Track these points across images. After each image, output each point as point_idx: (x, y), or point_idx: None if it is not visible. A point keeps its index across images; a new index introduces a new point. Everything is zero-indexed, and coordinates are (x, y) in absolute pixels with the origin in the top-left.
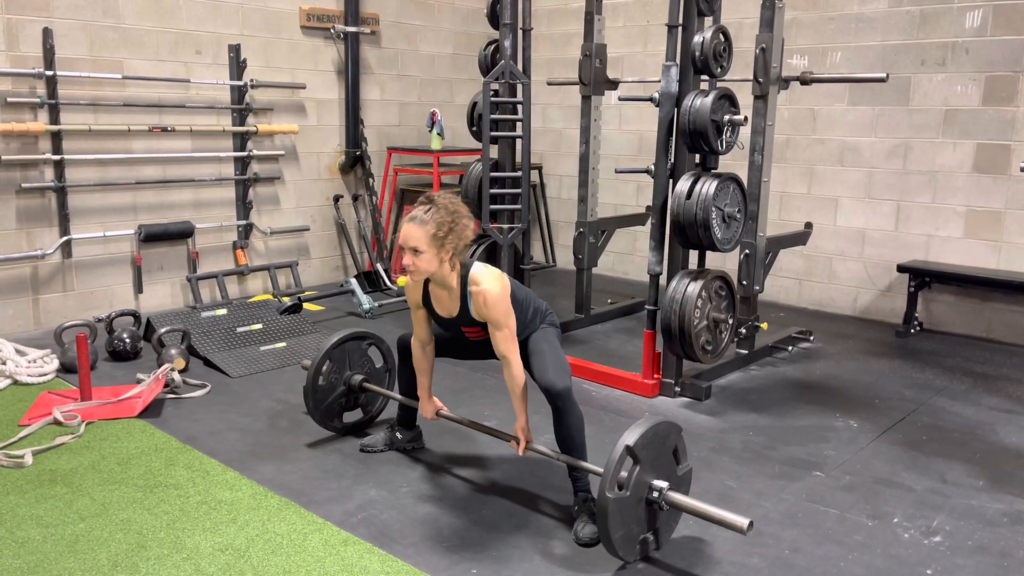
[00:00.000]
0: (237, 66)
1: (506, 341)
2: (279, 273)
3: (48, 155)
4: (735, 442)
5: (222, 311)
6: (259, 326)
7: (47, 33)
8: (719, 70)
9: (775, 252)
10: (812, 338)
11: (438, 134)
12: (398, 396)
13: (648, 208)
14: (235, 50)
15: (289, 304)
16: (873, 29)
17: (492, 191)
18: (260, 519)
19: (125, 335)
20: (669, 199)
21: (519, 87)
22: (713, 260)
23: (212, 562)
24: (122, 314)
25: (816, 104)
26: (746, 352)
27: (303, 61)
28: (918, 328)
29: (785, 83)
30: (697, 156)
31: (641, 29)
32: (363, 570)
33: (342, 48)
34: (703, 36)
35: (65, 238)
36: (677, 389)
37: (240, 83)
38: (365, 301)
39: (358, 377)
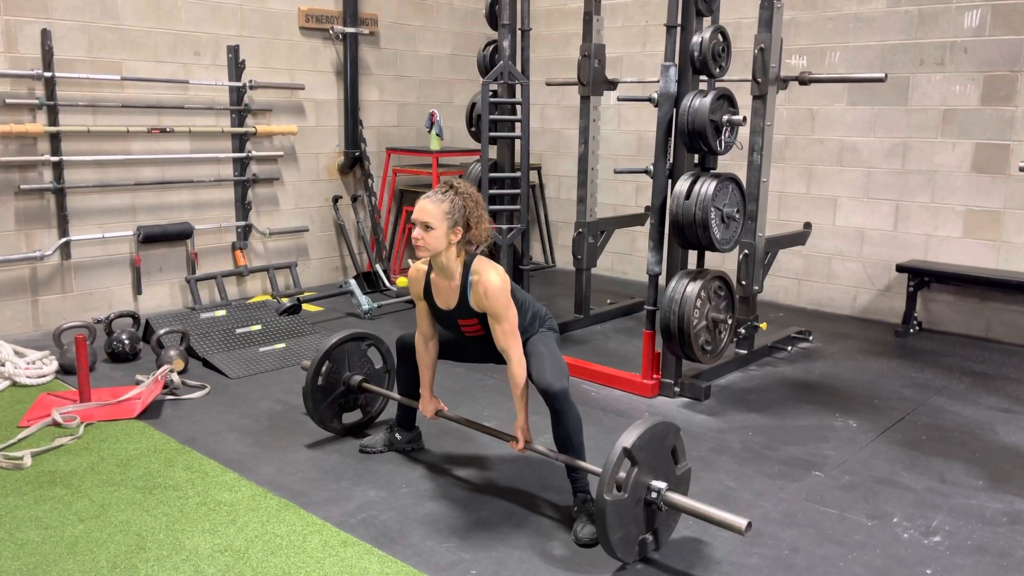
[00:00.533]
0: (236, 67)
1: (507, 335)
2: (278, 274)
3: (47, 156)
4: (734, 442)
5: (221, 312)
6: (258, 327)
7: (46, 34)
8: (718, 70)
9: (774, 252)
10: (811, 338)
11: (437, 135)
12: (397, 396)
13: (647, 208)
14: (234, 51)
15: (288, 305)
16: (872, 29)
17: (491, 191)
18: (259, 520)
19: (124, 336)
20: (668, 199)
21: (518, 87)
22: (712, 260)
23: (211, 563)
24: (121, 315)
25: (815, 104)
26: (745, 352)
27: (302, 62)
28: (917, 328)
29: (784, 83)
30: (696, 156)
31: (640, 29)
32: (362, 571)
33: (341, 49)
34: (702, 36)
35: (64, 239)
36: (676, 389)
37: (239, 84)
38: (364, 302)
39: (357, 378)
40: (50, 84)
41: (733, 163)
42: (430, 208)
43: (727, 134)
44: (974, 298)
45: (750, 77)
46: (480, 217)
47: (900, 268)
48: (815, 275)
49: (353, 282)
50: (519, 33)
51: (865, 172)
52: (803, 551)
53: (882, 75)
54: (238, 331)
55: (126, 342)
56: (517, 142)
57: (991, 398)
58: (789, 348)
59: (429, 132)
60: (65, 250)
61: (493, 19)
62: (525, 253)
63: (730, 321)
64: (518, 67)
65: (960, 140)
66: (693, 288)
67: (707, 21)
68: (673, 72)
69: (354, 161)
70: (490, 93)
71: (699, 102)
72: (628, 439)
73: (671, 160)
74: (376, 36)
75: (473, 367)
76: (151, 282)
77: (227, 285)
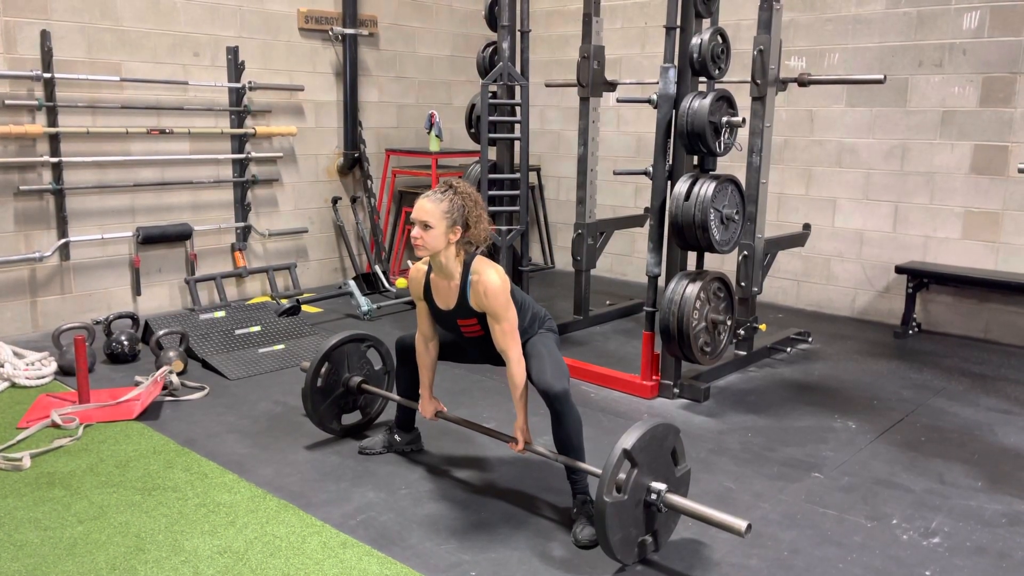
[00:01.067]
0: (235, 68)
1: (506, 335)
2: (277, 275)
3: (46, 157)
4: (734, 443)
5: (220, 313)
6: (257, 328)
7: (45, 35)
8: (717, 72)
9: (773, 253)
10: (810, 339)
11: (436, 136)
12: (397, 397)
13: (646, 210)
14: (233, 52)
15: (287, 306)
16: (871, 30)
17: (490, 193)
18: (259, 521)
19: (123, 337)
20: (667, 201)
21: (517, 89)
22: (711, 261)
23: (211, 565)
24: (120, 316)
25: (814, 105)
26: (745, 353)
27: (301, 63)
28: (916, 329)
29: (783, 84)
30: (695, 158)
31: (639, 31)
32: (362, 572)
33: (340, 50)
34: (701, 38)
35: (63, 240)
36: (676, 390)
37: (238, 85)
38: (364, 303)
39: (357, 379)
40: (49, 85)
41: (732, 164)
42: (429, 207)
43: (726, 135)
44: (973, 299)
45: (749, 79)
46: (479, 217)
47: (899, 269)
48: (814, 276)
49: (352, 283)
50: (518, 34)
51: (864, 173)
52: (802, 552)
53: (881, 77)
54: (237, 332)
55: (125, 343)
56: (516, 143)
57: (990, 399)
58: (788, 349)
59: (428, 133)
60: (64, 251)
61: (492, 20)
62: (524, 254)
63: (729, 322)
64: (517, 68)
65: (959, 141)
66: (692, 289)
67: (706, 23)
68: (672, 74)
69: (353, 162)
70: (489, 94)
71: (698, 103)
72: (628, 441)
73: (670, 161)
74: (375, 37)
75: (473, 368)
76: (150, 283)
77: (226, 286)
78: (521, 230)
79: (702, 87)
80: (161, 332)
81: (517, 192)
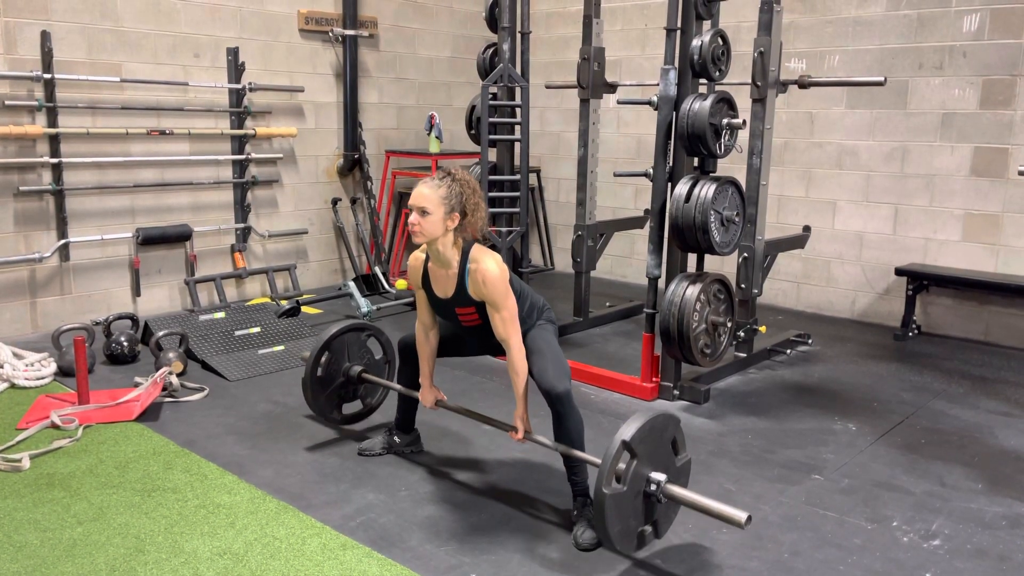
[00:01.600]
0: (235, 69)
1: (506, 324)
2: (277, 276)
3: (46, 158)
4: (734, 445)
5: (220, 314)
6: (257, 329)
7: (45, 36)
8: (717, 74)
9: (773, 255)
10: (810, 341)
11: (436, 137)
12: (397, 386)
13: (646, 211)
14: (233, 53)
15: (287, 307)
16: (871, 33)
17: (491, 194)
18: (258, 523)
19: (123, 338)
20: (668, 202)
21: (517, 90)
22: (711, 263)
23: (210, 566)
24: (120, 317)
25: (814, 107)
26: (744, 355)
27: (301, 64)
28: (916, 331)
29: (783, 86)
30: (695, 159)
31: (639, 32)
32: (362, 574)
33: (340, 51)
34: (701, 40)
35: (63, 241)
36: (676, 392)
37: (238, 86)
38: (363, 304)
39: (357, 368)
40: (49, 86)
41: (732, 166)
42: (427, 193)
43: (727, 137)
44: (973, 302)
45: (750, 80)
46: (477, 205)
47: (899, 272)
48: (814, 278)
49: (352, 284)
50: (519, 36)
51: (864, 176)
52: (803, 554)
53: (881, 79)
54: (237, 333)
55: (125, 344)
56: (517, 145)
57: (990, 402)
58: (788, 351)
59: (428, 135)
60: (64, 252)
61: (493, 22)
62: (524, 256)
63: (729, 324)
64: (518, 70)
65: (959, 144)
66: (692, 291)
67: (707, 24)
68: (673, 75)
69: (353, 163)
70: (490, 96)
71: (699, 105)
72: (627, 432)
73: (671, 163)
74: (376, 39)
75: (473, 370)
76: (150, 284)
77: (226, 287)
78: (521, 231)
79: (702, 89)
80: (161, 333)
81: (517, 193)
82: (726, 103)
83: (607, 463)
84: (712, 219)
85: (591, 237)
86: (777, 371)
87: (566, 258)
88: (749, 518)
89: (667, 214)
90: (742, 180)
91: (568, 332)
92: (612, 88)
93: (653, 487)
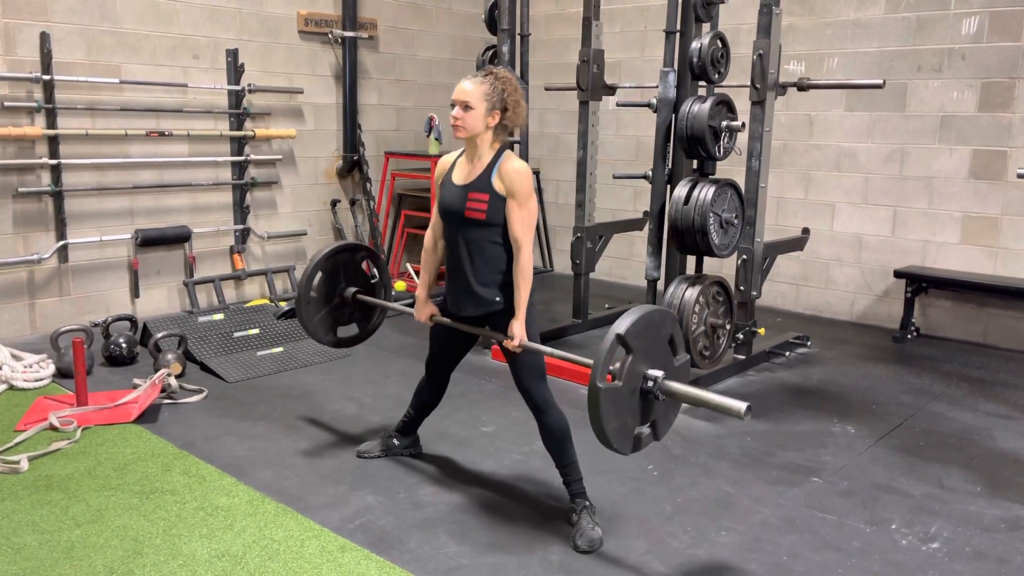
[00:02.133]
0: (235, 71)
1: (523, 224)
2: (276, 278)
3: (45, 159)
4: (733, 448)
5: (219, 316)
6: (256, 331)
7: (44, 37)
8: (717, 76)
9: (772, 257)
10: (809, 343)
11: (436, 139)
12: (394, 305)
13: (646, 213)
14: (233, 55)
15: (286, 309)
16: (870, 35)
17: None
18: (257, 525)
19: (121, 340)
20: (667, 204)
21: None
22: (710, 265)
23: (209, 569)
24: (119, 319)
25: (813, 110)
26: (743, 357)
27: (301, 66)
28: (915, 333)
29: (782, 89)
30: (695, 162)
31: (639, 35)
32: None
33: (340, 53)
34: (701, 42)
35: (62, 242)
36: None
37: (238, 88)
38: None
39: (351, 289)
40: (49, 87)
41: (731, 168)
42: (470, 88)
43: (726, 139)
44: (972, 304)
45: (749, 83)
46: (517, 102)
47: (898, 274)
48: (813, 280)
49: None
50: (518, 38)
51: (863, 178)
52: (801, 557)
53: (880, 81)
54: (236, 335)
55: (123, 346)
56: (516, 146)
57: (989, 404)
58: (787, 353)
59: (428, 136)
60: (63, 253)
61: (492, 24)
62: None
63: (728, 326)
64: (517, 72)
65: (958, 146)
66: (692, 293)
67: (706, 27)
68: (672, 78)
69: (352, 165)
70: None
71: (698, 108)
72: (621, 326)
73: (670, 165)
74: (375, 40)
75: (471, 371)
76: (149, 285)
77: (225, 289)
78: None
79: (701, 91)
80: (159, 334)
81: None
82: (725, 105)
83: (601, 357)
84: (711, 221)
85: (590, 239)
86: (776, 373)
87: (565, 260)
88: (749, 408)
89: (666, 216)
90: (741, 182)
91: (567, 334)
92: (611, 90)
93: (650, 383)
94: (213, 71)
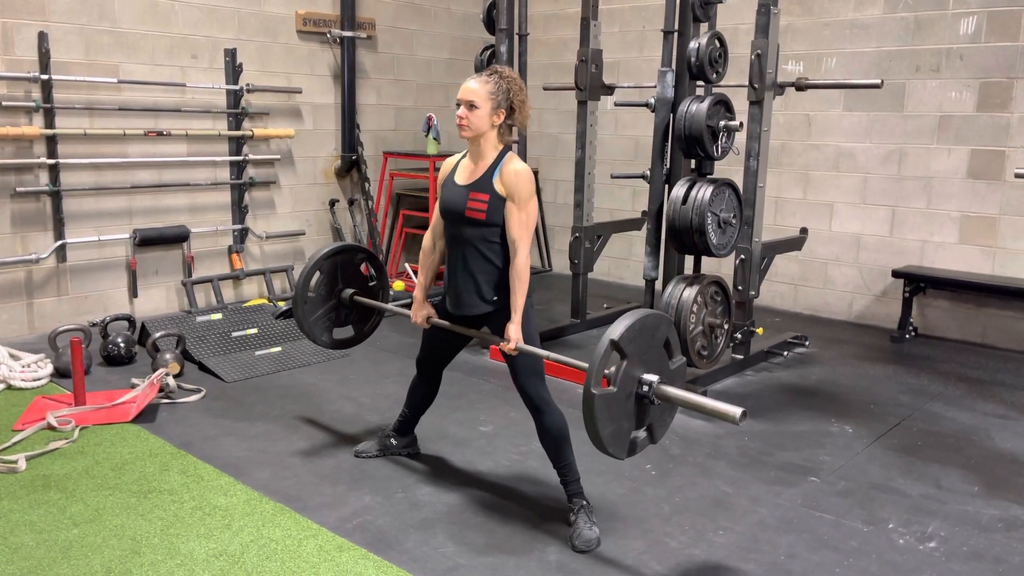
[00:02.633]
0: (233, 70)
1: (521, 226)
2: (275, 277)
3: (43, 159)
4: (731, 447)
5: (217, 316)
6: (254, 331)
7: (42, 37)
8: (715, 76)
9: (770, 257)
10: (807, 343)
11: (434, 139)
12: (390, 306)
13: (644, 213)
14: (231, 54)
15: (284, 309)
16: (868, 35)
17: None
18: (255, 525)
19: (120, 340)
20: (665, 204)
21: None
22: (709, 265)
23: (206, 568)
24: (117, 318)
25: (811, 110)
26: (742, 357)
27: (299, 66)
28: (913, 333)
29: (780, 89)
30: (693, 161)
31: (637, 35)
32: None
33: (338, 53)
34: (699, 42)
35: (60, 242)
36: None
37: (236, 87)
38: None
39: (349, 291)
40: (47, 87)
41: (730, 168)
42: (475, 87)
43: (724, 139)
44: (970, 304)
45: (747, 83)
46: (523, 102)
47: (896, 274)
48: (811, 280)
49: None
50: (516, 38)
51: (861, 178)
52: (799, 557)
53: (878, 81)
54: (234, 335)
55: (121, 345)
56: (514, 146)
57: (987, 404)
58: (785, 353)
59: (426, 136)
60: (61, 253)
61: (491, 24)
62: None
63: (726, 326)
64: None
65: (956, 146)
66: (690, 293)
67: (704, 27)
68: (670, 77)
69: (351, 165)
70: None
71: (696, 107)
72: (616, 331)
73: (668, 165)
74: (373, 40)
75: (470, 372)
76: (147, 285)
77: (223, 288)
78: None
79: (700, 91)
80: (158, 334)
81: None
82: (723, 105)
83: (595, 363)
84: (709, 221)
85: (588, 239)
86: (774, 373)
87: (563, 260)
88: (744, 413)
89: (664, 216)
90: (739, 182)
91: (565, 334)
92: (610, 90)
93: (645, 388)
94: (211, 71)
